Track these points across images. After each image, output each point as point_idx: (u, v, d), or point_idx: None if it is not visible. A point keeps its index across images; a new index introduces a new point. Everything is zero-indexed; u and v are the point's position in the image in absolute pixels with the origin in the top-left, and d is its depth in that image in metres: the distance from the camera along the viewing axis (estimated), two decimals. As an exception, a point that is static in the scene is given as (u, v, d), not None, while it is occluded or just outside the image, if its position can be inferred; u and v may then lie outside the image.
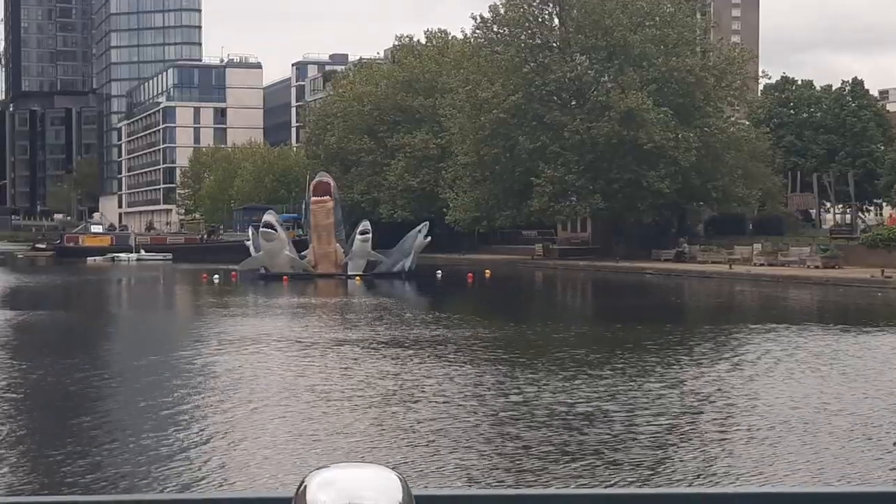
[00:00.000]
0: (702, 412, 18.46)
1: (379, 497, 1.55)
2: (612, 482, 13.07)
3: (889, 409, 18.61)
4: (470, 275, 64.55)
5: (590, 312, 46.32)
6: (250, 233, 72.45)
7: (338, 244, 67.24)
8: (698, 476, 13.65)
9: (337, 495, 1.55)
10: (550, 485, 12.97)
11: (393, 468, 1.65)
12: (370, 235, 65.76)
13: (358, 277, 64.33)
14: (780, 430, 16.73)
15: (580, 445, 15.44)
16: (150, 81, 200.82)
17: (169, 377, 23.15)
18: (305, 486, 1.60)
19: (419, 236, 67.28)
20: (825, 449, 15.40)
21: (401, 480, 1.62)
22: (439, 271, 66.57)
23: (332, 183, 69.63)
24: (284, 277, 62.89)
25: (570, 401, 19.23)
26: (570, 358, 25.62)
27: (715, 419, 17.87)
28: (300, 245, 71.00)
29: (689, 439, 16.12)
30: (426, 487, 11.55)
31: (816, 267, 61.23)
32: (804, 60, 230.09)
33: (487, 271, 68.85)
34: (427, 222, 69.74)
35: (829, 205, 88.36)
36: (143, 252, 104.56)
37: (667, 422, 17.37)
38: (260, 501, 2.06)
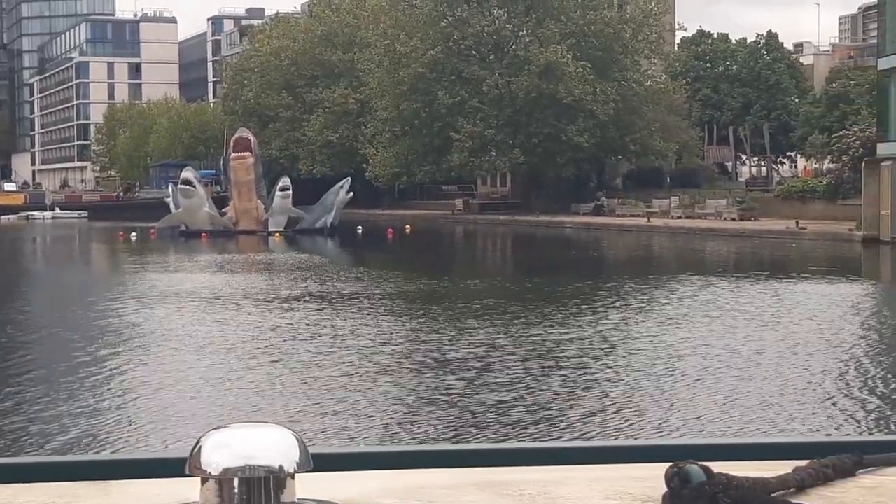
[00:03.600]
0: (570, 357, 18.54)
1: (274, 456, 1.51)
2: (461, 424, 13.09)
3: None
4: (390, 230, 64.73)
5: (507, 266, 46.63)
6: (170, 189, 72.00)
7: (258, 200, 67.09)
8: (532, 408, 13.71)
9: (231, 456, 1.50)
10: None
11: (289, 426, 1.57)
12: (290, 192, 65.67)
13: (278, 234, 64.26)
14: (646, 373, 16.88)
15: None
16: (63, 36, 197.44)
17: (83, 333, 22.83)
18: (200, 447, 1.53)
19: (341, 192, 67.25)
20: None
21: (297, 439, 1.55)
22: (360, 227, 66.59)
23: (253, 139, 69.58)
24: (203, 234, 62.58)
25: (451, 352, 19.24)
26: (473, 309, 25.74)
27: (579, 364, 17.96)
28: (219, 202, 70.65)
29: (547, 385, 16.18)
30: (323, 445, 11.51)
31: (733, 219, 62.19)
32: (719, 12, 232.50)
33: (408, 226, 69.02)
34: (349, 178, 69.68)
35: (744, 157, 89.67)
36: (58, 210, 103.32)
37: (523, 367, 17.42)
38: (155, 462, 1.96)
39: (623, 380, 16.82)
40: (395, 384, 16.55)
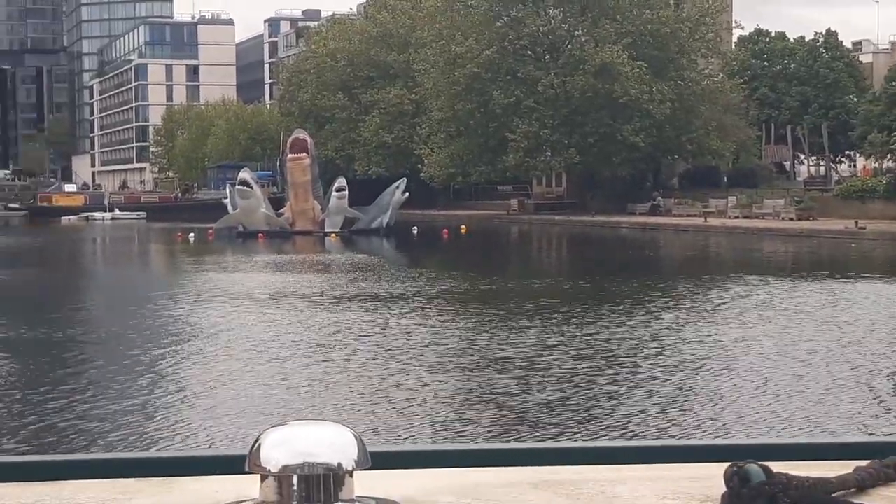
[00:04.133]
0: (623, 358, 18.45)
1: (333, 454, 1.54)
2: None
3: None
4: (445, 230, 64.59)
5: (562, 266, 46.42)
6: (228, 190, 72.09)
7: (315, 201, 66.94)
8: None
9: (290, 453, 1.53)
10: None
11: (349, 424, 1.62)
12: (346, 192, 65.41)
13: (334, 234, 64.12)
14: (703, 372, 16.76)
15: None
16: (122, 39, 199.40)
17: (142, 332, 23.02)
18: (259, 444, 1.56)
19: (397, 192, 66.95)
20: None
21: (356, 437, 1.58)
22: (415, 227, 66.48)
23: (309, 140, 69.40)
24: (260, 235, 62.66)
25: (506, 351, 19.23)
26: (528, 309, 25.61)
27: (630, 365, 17.88)
28: (276, 203, 70.71)
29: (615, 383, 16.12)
30: (385, 444, 11.56)
31: (791, 219, 61.58)
32: (776, 11, 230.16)
33: (463, 227, 68.84)
34: (404, 178, 69.39)
35: (803, 157, 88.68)
36: (117, 211, 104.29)
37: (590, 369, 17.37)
38: (214, 460, 2.00)
39: (671, 379, 16.74)
40: (447, 382, 16.56)
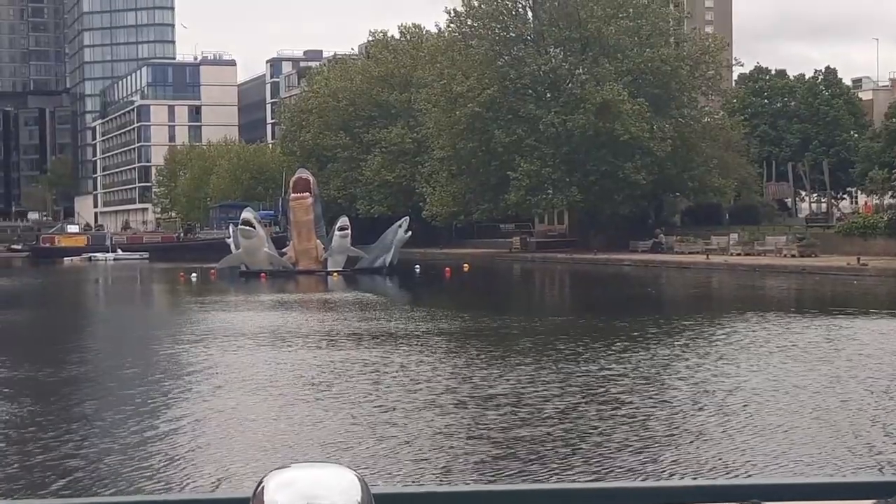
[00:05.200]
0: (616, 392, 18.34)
1: (337, 497, 1.53)
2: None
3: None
4: (447, 269, 64.46)
5: (563, 304, 46.33)
6: (231, 230, 72.23)
7: (318, 240, 66.87)
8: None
9: (294, 496, 1.52)
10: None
11: (353, 467, 1.59)
12: (349, 231, 65.62)
13: (336, 273, 63.90)
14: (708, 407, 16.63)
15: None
16: (124, 80, 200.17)
17: (148, 372, 22.93)
18: (263, 487, 1.56)
19: (399, 231, 66.89)
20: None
21: (359, 480, 1.58)
22: (417, 266, 66.44)
23: (312, 179, 69.59)
24: (262, 274, 62.47)
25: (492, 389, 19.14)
26: (527, 346, 25.52)
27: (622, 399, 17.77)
28: (279, 242, 70.74)
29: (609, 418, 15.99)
30: (388, 485, 11.48)
31: (793, 255, 61.45)
32: (776, 49, 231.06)
33: (465, 265, 68.92)
34: (407, 217, 69.54)
35: (804, 194, 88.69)
36: (119, 252, 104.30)
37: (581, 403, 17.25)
38: (216, 502, 1.98)
39: (659, 415, 16.62)
40: (442, 419, 16.43)
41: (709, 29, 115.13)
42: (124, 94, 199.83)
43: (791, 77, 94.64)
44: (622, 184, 76.21)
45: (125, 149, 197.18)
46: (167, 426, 16.56)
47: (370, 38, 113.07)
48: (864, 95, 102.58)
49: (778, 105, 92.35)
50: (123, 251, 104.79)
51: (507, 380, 20.18)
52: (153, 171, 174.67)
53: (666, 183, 79.25)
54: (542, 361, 22.68)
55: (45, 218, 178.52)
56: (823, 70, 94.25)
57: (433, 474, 12.85)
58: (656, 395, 18.52)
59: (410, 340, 27.61)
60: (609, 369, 21.41)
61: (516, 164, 77.66)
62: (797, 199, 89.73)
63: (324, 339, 28.64)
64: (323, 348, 26.32)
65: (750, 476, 12.28)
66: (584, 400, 17.92)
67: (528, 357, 23.48)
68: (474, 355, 24.48)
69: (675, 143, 75.73)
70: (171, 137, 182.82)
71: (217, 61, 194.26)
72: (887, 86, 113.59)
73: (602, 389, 19.00)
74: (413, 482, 12.20)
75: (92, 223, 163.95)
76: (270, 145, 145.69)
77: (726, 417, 16.41)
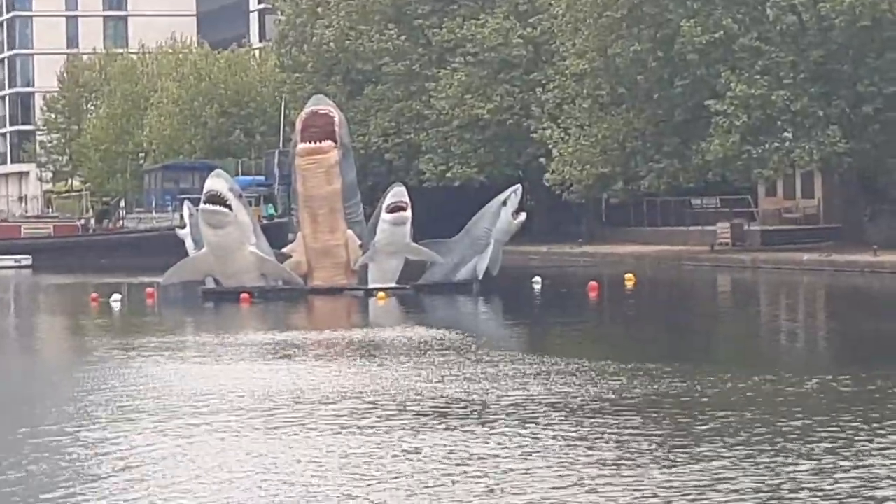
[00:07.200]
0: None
1: None
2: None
3: None
4: (593, 284, 43.40)
5: (820, 355, 27.64)
6: (184, 213, 53.93)
7: (350, 230, 46.75)
8: None
9: None
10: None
11: None
12: (408, 214, 45.36)
13: (383, 293, 43.82)
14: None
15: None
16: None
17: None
18: None
19: (503, 213, 46.72)
20: None
21: None
22: (537, 277, 46.18)
23: (337, 116, 47.81)
24: (245, 295, 42.40)
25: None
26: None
27: None
28: (274, 233, 51.86)
29: None
30: None
31: None
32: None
33: (629, 276, 46.72)
34: (518, 186, 48.58)
35: None
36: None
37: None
38: None
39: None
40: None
41: None
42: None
43: None
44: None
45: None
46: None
47: None
48: None
49: None
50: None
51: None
52: (38, 102, 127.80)
53: None
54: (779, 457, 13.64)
55: None
56: None
57: None
58: None
59: (561, 419, 16.71)
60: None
61: (722, 84, 53.99)
62: None
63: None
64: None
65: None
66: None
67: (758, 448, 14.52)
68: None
69: None
70: (73, 40, 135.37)
71: None
72: None
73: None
74: None
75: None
76: (257, 52, 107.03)
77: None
